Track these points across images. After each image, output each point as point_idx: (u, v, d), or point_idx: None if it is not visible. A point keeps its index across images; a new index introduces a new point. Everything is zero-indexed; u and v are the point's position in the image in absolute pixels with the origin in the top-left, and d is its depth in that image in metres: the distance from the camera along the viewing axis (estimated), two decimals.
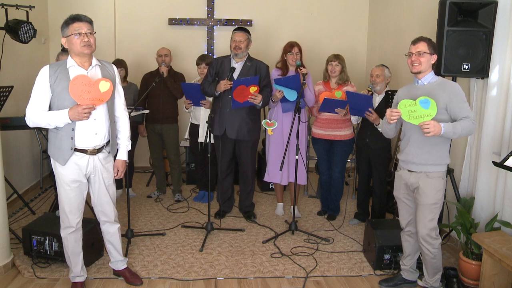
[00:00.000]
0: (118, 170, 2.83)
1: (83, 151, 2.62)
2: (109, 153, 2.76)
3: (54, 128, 2.59)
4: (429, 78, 2.73)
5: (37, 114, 2.53)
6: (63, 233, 2.75)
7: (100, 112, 2.63)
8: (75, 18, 2.53)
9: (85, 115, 2.50)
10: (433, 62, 2.73)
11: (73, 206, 2.68)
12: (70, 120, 2.51)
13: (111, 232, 2.89)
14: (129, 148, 2.88)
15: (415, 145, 2.73)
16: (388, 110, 2.74)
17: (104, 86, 2.55)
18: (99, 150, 2.68)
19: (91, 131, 2.61)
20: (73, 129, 2.57)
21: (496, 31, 3.13)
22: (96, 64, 2.66)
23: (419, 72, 2.71)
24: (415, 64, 2.69)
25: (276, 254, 3.49)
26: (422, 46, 2.68)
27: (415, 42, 2.72)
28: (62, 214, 2.72)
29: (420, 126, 2.58)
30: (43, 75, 2.55)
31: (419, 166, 2.73)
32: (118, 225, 2.92)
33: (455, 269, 3.07)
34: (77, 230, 2.76)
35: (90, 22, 2.57)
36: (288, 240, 3.75)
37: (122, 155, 2.84)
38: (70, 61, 2.58)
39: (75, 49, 2.53)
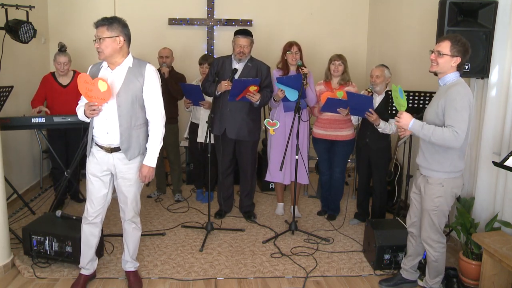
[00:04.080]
0: (143, 176, 2.75)
1: (101, 147, 2.73)
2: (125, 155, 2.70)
3: None
4: (446, 79, 2.57)
5: (78, 109, 2.75)
6: (82, 221, 2.87)
7: (111, 112, 2.65)
8: (95, 25, 2.58)
9: (91, 112, 2.60)
10: (454, 64, 2.53)
11: (90, 197, 2.79)
12: (85, 115, 2.67)
13: (126, 229, 2.94)
14: (157, 153, 2.74)
15: (421, 148, 2.72)
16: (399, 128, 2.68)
17: (103, 86, 2.56)
18: (114, 150, 2.70)
19: (103, 129, 2.68)
20: (92, 126, 2.74)
21: (496, 31, 3.13)
22: (125, 65, 2.65)
23: (435, 72, 2.59)
24: (432, 64, 2.57)
25: (276, 254, 3.49)
26: (445, 47, 2.51)
27: (440, 40, 2.55)
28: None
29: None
30: (87, 73, 2.71)
31: (423, 170, 2.73)
32: (134, 225, 2.93)
33: (455, 269, 3.07)
34: (92, 224, 2.84)
35: (103, 25, 2.54)
36: (288, 240, 3.75)
37: (147, 160, 2.72)
38: (105, 62, 2.67)
39: None
